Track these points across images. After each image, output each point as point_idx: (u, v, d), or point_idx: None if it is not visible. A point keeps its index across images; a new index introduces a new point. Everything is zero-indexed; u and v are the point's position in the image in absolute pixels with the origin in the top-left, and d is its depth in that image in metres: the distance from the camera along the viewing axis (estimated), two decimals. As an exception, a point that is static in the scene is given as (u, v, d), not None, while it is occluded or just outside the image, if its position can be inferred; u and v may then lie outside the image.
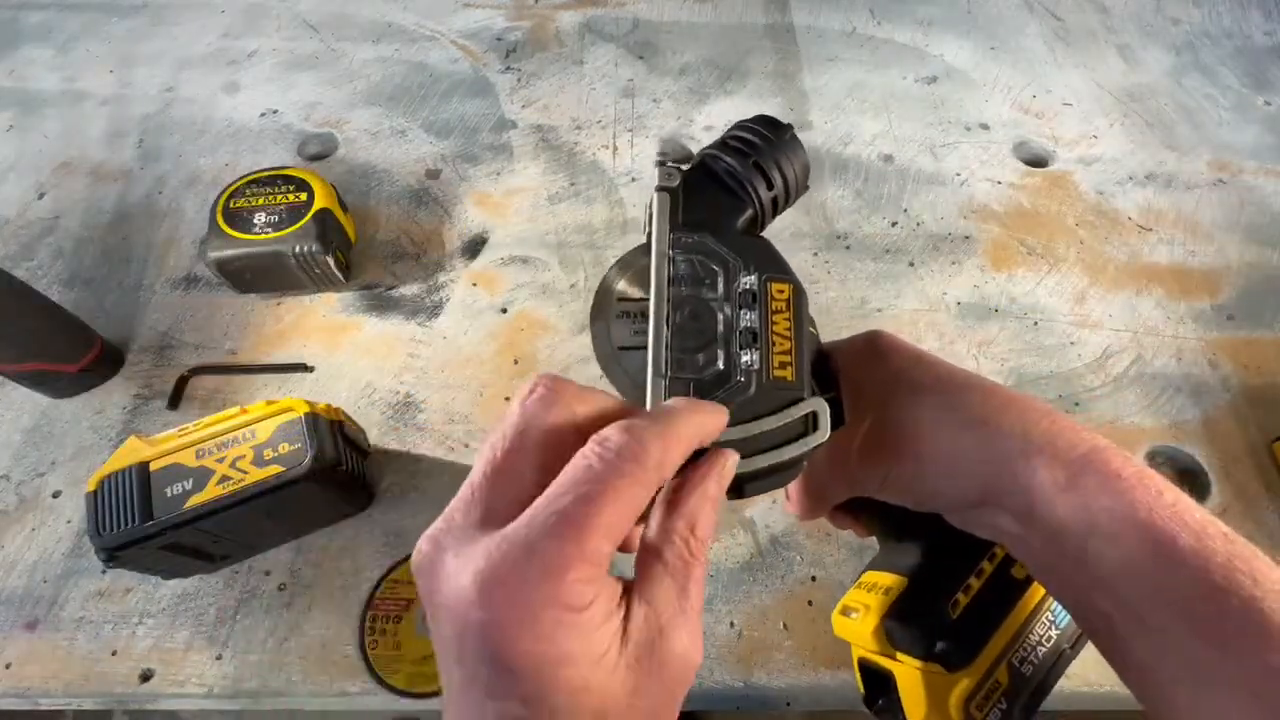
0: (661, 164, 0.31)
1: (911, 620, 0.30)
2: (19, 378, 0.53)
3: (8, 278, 0.49)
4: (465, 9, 0.90)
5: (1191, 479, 0.56)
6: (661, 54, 0.85)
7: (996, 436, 0.27)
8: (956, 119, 0.79)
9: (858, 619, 0.32)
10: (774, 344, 0.27)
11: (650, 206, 0.30)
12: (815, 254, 0.67)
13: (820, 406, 0.26)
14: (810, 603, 0.48)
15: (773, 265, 0.29)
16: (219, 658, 0.46)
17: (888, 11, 0.92)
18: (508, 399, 0.56)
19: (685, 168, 0.31)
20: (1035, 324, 0.63)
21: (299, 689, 0.45)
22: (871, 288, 0.65)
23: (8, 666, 0.45)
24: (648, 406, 0.25)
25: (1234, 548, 0.23)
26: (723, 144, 0.32)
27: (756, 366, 0.26)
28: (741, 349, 0.27)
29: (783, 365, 0.27)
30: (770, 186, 0.32)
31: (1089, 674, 0.46)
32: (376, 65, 0.82)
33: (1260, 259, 0.69)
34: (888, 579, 0.33)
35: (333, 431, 0.45)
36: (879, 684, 0.33)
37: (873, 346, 0.33)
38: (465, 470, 0.53)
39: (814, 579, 0.49)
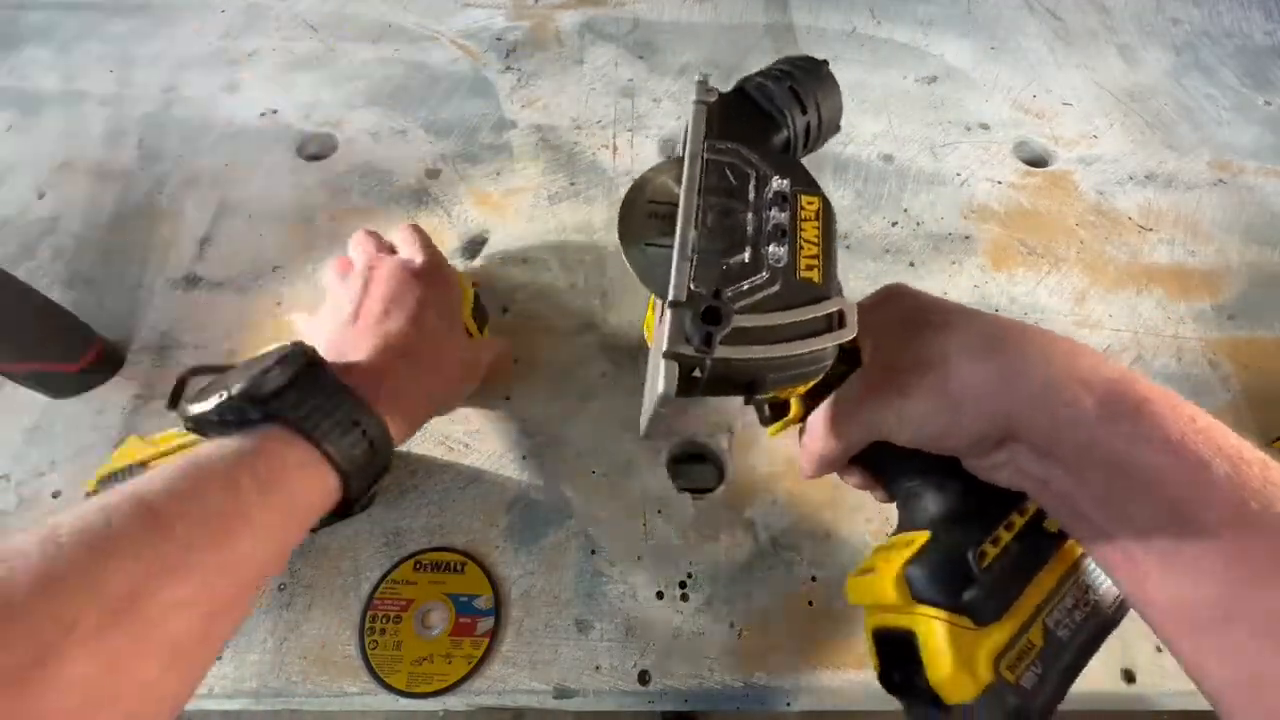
0: (702, 81, 0.30)
1: (935, 569, 0.28)
2: (19, 378, 0.53)
3: (7, 277, 0.49)
4: (465, 9, 0.90)
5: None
6: (662, 54, 0.85)
7: (1019, 363, 0.26)
8: (956, 119, 0.79)
9: (874, 575, 0.30)
10: (802, 247, 0.26)
11: (687, 122, 0.30)
12: (815, 254, 0.67)
13: (847, 306, 0.25)
14: (810, 603, 0.48)
15: (803, 179, 0.29)
16: (218, 658, 0.46)
17: (888, 11, 0.92)
18: (508, 398, 0.56)
19: (724, 90, 0.31)
20: (1036, 324, 0.63)
21: (298, 689, 0.45)
22: (872, 288, 0.64)
23: (7, 666, 0.45)
24: (670, 287, 0.24)
25: (1270, 473, 0.22)
26: (762, 73, 0.33)
27: (784, 262, 0.26)
28: (769, 244, 0.26)
29: (809, 267, 0.26)
30: (804, 111, 0.32)
31: (1089, 674, 0.46)
32: (376, 65, 0.82)
33: (1261, 259, 0.69)
34: (909, 536, 0.30)
35: (332, 431, 0.45)
36: (897, 655, 0.30)
37: (886, 293, 0.34)
38: (465, 470, 0.53)
39: (814, 579, 0.49)
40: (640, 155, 0.74)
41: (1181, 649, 0.23)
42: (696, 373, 0.24)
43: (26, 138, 0.74)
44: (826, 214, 0.28)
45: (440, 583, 0.48)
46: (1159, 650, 0.47)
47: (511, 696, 0.45)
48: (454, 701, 0.45)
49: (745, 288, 0.25)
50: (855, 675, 0.46)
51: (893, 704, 0.47)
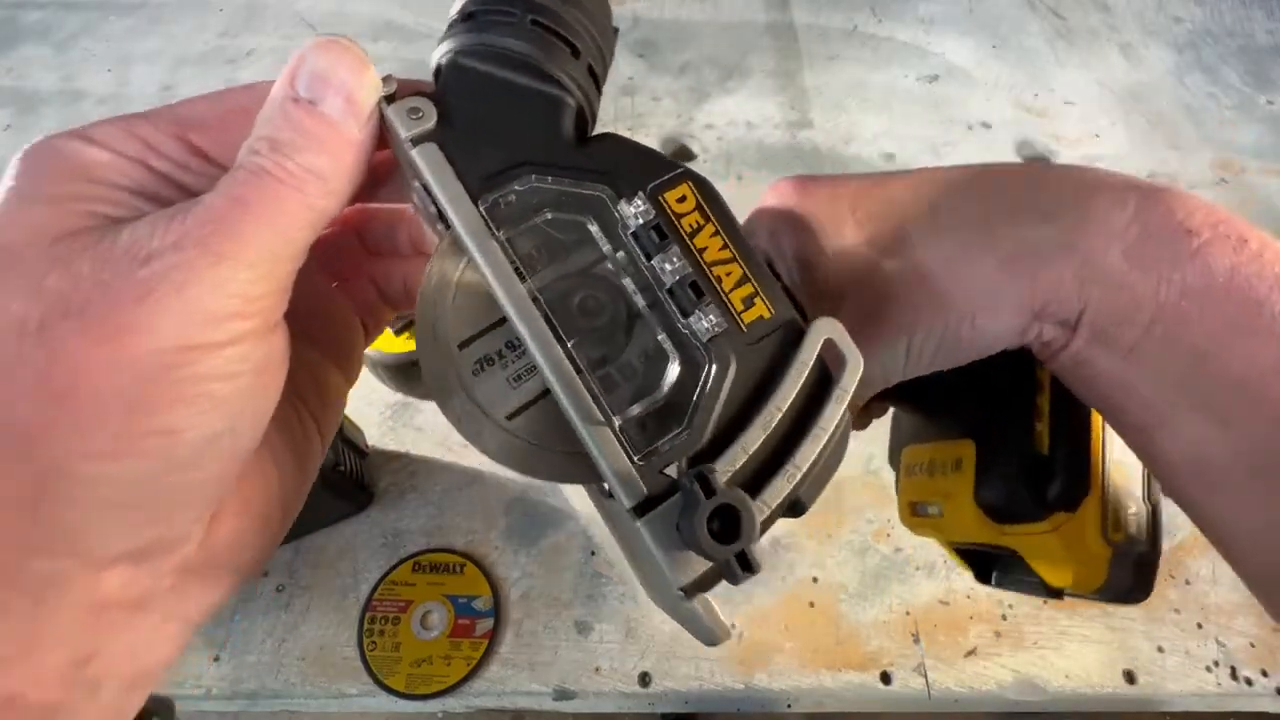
0: (390, 98, 0.19)
1: (1008, 483, 0.24)
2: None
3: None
4: (465, 7, 0.90)
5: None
6: (662, 52, 0.85)
7: (1027, 249, 0.20)
8: (958, 117, 0.79)
9: (944, 513, 0.26)
10: (719, 279, 0.18)
11: (415, 182, 0.19)
12: (816, 253, 0.67)
13: (832, 328, 0.18)
14: (811, 604, 0.48)
15: (648, 168, 0.19)
16: (217, 659, 0.45)
17: (889, 9, 0.92)
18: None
19: (428, 91, 0.19)
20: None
21: (297, 690, 0.45)
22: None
23: (4, 668, 0.45)
24: (601, 465, 0.17)
25: None
26: (472, 29, 0.20)
27: (722, 326, 0.18)
28: (689, 314, 0.18)
29: (747, 300, 0.18)
30: (576, 52, 0.19)
31: (1091, 675, 0.46)
32: (375, 63, 0.82)
33: (1263, 258, 0.69)
34: (947, 450, 0.27)
35: (331, 432, 0.45)
36: (991, 559, 0.27)
37: (795, 203, 0.24)
38: (465, 471, 0.53)
39: (815, 580, 0.49)
40: (640, 154, 0.74)
41: (1191, 506, 0.21)
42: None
43: (25, 136, 0.74)
44: (707, 196, 0.18)
45: (439, 584, 0.48)
46: (1160, 651, 0.47)
47: (511, 698, 0.45)
48: (453, 703, 0.45)
49: (703, 401, 0.17)
50: (855, 677, 0.46)
51: (892, 704, 0.47)
